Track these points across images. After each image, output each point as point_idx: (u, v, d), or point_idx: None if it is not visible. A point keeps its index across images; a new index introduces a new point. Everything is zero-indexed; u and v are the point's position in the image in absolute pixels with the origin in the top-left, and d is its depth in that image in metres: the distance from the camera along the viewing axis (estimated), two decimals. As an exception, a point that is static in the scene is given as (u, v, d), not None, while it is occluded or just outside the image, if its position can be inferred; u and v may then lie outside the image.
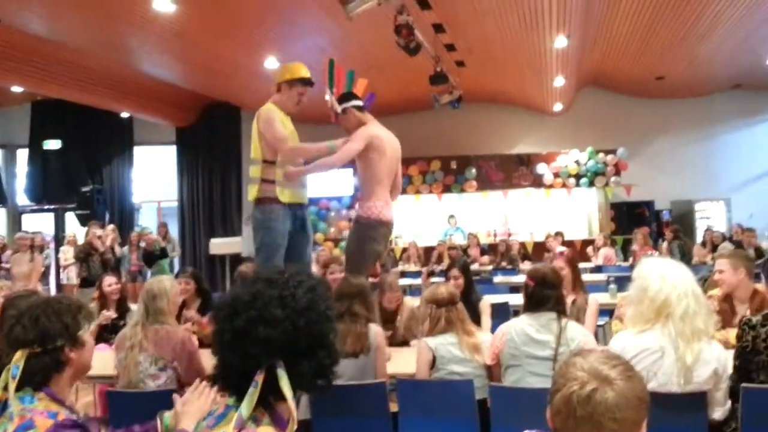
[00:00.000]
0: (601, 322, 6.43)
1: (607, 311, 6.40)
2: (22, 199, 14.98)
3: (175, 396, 2.02)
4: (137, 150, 15.48)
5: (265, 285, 1.48)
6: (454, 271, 5.00)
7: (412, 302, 4.73)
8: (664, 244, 10.97)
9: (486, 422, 3.27)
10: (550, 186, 13.98)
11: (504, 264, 11.47)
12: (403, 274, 10.66)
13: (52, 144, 14.41)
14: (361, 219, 4.36)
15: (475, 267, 11.02)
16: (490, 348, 3.43)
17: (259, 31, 8.90)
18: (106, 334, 5.05)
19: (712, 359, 2.75)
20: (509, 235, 13.37)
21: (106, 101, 12.39)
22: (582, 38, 9.96)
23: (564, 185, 13.93)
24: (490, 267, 11.41)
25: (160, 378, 3.56)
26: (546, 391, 1.39)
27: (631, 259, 10.91)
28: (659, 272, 2.80)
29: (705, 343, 2.75)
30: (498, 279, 9.38)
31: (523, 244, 12.62)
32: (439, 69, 9.16)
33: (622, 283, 6.08)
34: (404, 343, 4.60)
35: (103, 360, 3.72)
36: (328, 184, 13.42)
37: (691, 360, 2.70)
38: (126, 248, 11.09)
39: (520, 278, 6.24)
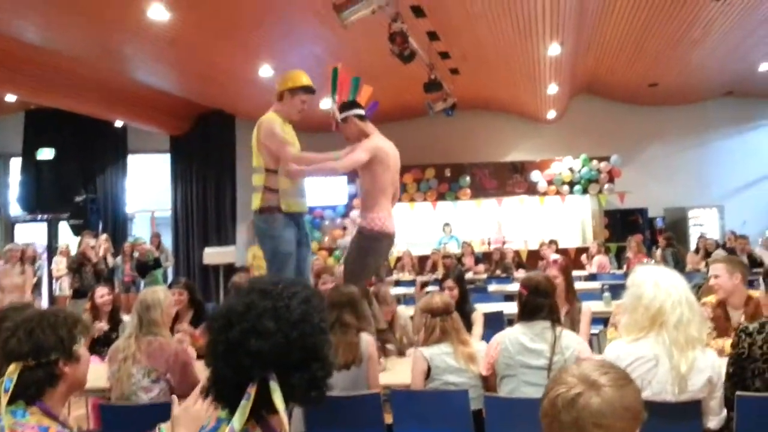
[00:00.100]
0: (595, 331, 6.43)
1: (600, 319, 6.40)
2: (15, 209, 14.90)
3: (174, 397, 2.00)
4: (131, 159, 15.43)
5: (259, 296, 1.46)
6: (449, 282, 4.99)
7: (405, 312, 4.72)
8: (658, 252, 10.99)
9: (481, 432, 3.25)
10: (544, 193, 13.99)
11: (498, 272, 11.46)
12: (398, 283, 10.64)
13: (46, 153, 14.36)
14: (365, 230, 4.34)
15: (469, 275, 11.01)
16: (485, 358, 3.42)
17: (253, 39, 8.90)
18: (98, 346, 5.01)
19: (707, 367, 2.74)
20: (503, 243, 13.36)
21: (100, 110, 12.36)
22: (575, 46, 10.00)
23: (558, 193, 13.95)
24: (485, 275, 11.40)
25: (152, 390, 3.53)
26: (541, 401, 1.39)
27: (625, 267, 10.92)
28: (653, 280, 2.80)
29: (699, 351, 2.75)
30: (492, 287, 9.37)
31: (517, 252, 12.61)
32: (433, 76, 9.17)
33: (617, 290, 6.08)
34: (399, 353, 4.59)
35: (95, 372, 3.68)
36: (323, 192, 13.41)
37: (686, 368, 2.70)
38: (119, 258, 11.05)
39: (515, 286, 6.23)
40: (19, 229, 14.59)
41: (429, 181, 14.19)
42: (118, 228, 14.79)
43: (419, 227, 13.93)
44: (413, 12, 7.94)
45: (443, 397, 3.38)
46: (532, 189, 14.06)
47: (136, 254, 10.79)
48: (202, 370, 1.53)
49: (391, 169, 4.42)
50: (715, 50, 10.61)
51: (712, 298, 3.99)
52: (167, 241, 13.50)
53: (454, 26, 8.76)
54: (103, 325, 5.23)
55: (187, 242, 14.88)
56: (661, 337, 2.73)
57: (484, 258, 12.68)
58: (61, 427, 1.89)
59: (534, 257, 12.18)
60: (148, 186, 15.62)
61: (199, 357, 4.02)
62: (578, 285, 9.20)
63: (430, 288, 7.31)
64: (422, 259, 12.38)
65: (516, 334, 3.32)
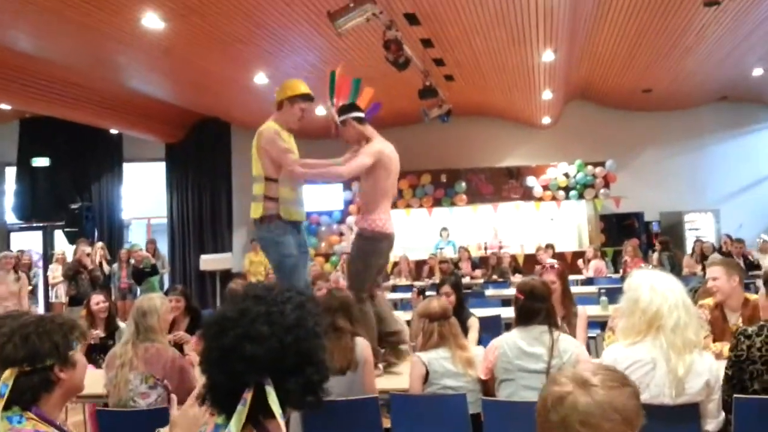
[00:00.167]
0: (592, 334, 6.43)
1: (597, 323, 6.41)
2: (10, 217, 14.87)
3: (173, 397, 2.00)
4: (126, 167, 15.42)
5: (253, 302, 1.47)
6: (446, 288, 5.00)
7: (401, 318, 4.72)
8: (654, 256, 11.02)
9: (479, 437, 3.25)
10: (540, 199, 14.03)
11: (495, 277, 11.48)
12: (394, 289, 10.64)
13: (41, 161, 14.35)
14: (365, 232, 4.34)
15: (466, 280, 11.03)
16: (483, 362, 3.42)
17: (248, 48, 8.92)
18: (94, 354, 4.99)
19: (704, 370, 2.75)
20: (500, 248, 13.38)
21: (95, 118, 12.35)
22: (569, 52, 10.05)
23: (553, 198, 13.98)
24: (482, 280, 11.42)
25: (150, 396, 3.53)
26: (539, 405, 1.39)
27: (621, 271, 10.95)
28: (650, 284, 2.81)
29: (697, 354, 2.76)
30: (489, 292, 9.39)
31: (514, 257, 12.64)
32: (428, 83, 9.20)
33: (613, 295, 6.09)
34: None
35: (92, 379, 3.68)
36: (319, 198, 13.42)
37: (683, 372, 2.70)
38: (116, 266, 11.03)
39: (512, 291, 6.25)
40: (14, 237, 14.57)
41: (425, 187, 14.22)
42: (113, 235, 14.77)
43: (415, 233, 13.95)
44: (407, 20, 7.97)
45: (441, 402, 3.38)
46: (527, 194, 14.10)
47: (132, 261, 10.77)
48: (201, 377, 1.54)
49: (392, 173, 4.43)
50: (709, 56, 10.66)
51: (709, 301, 4.01)
52: (163, 248, 13.48)
53: (449, 34, 8.80)
54: (99, 333, 5.21)
55: (183, 249, 14.86)
56: (659, 340, 2.74)
57: (480, 263, 12.71)
58: (59, 432, 1.89)
59: (531, 262, 12.21)
60: (143, 193, 15.61)
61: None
62: (575, 289, 9.26)
63: (427, 294, 7.32)
64: (419, 264, 12.39)
65: (514, 339, 3.32)
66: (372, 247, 4.32)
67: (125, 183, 15.41)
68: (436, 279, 9.85)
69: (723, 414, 2.85)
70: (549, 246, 11.97)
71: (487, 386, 3.43)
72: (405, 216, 13.98)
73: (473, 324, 4.93)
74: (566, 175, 13.96)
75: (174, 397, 1.99)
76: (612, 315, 4.21)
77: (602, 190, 13.82)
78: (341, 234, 14.14)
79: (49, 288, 11.51)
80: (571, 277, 11.08)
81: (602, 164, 13.89)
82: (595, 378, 1.32)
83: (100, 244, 11.37)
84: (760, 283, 3.30)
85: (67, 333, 1.98)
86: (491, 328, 5.55)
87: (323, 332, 1.54)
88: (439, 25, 8.43)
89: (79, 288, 9.39)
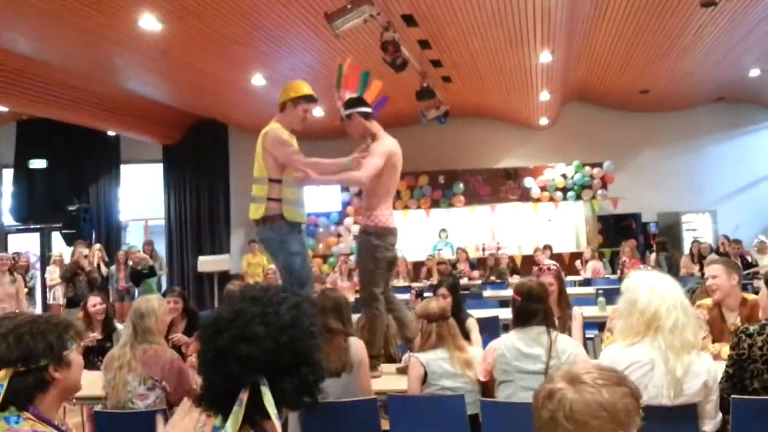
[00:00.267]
0: (590, 335, 6.44)
1: (594, 324, 6.42)
2: (7, 219, 14.85)
3: (159, 417, 2.00)
4: (124, 168, 15.42)
5: (248, 303, 1.47)
6: (442, 290, 4.98)
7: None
8: (652, 256, 11.03)
9: (478, 437, 3.25)
10: (538, 200, 14.04)
11: (493, 278, 11.48)
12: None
13: (38, 163, 14.34)
14: (369, 228, 4.32)
15: (464, 281, 11.03)
16: (482, 364, 3.42)
17: (246, 49, 8.92)
18: (92, 356, 4.98)
19: (702, 371, 2.75)
20: (498, 249, 13.39)
21: (92, 120, 12.34)
22: (566, 53, 10.06)
23: (551, 199, 14.00)
24: (480, 281, 11.42)
25: (148, 398, 3.52)
26: (537, 406, 1.40)
27: (619, 272, 10.96)
28: (648, 285, 2.81)
29: (695, 355, 2.76)
30: (487, 293, 9.39)
31: (511, 258, 12.64)
32: (426, 84, 9.21)
33: (611, 295, 6.10)
34: (392, 359, 4.58)
35: (90, 381, 3.67)
36: (317, 200, 13.41)
37: (681, 372, 2.70)
38: (113, 267, 11.02)
39: (510, 292, 6.28)
40: (12, 239, 14.54)
41: (422, 189, 14.22)
42: (111, 237, 14.76)
43: (413, 234, 13.95)
44: (405, 21, 7.98)
45: (440, 403, 3.38)
46: (525, 195, 14.12)
47: (130, 263, 10.76)
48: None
49: (398, 170, 4.42)
50: (706, 57, 10.68)
51: (707, 301, 4.01)
52: (161, 249, 13.47)
53: (446, 35, 8.80)
54: (96, 335, 5.20)
55: (181, 250, 14.85)
56: (657, 341, 2.74)
57: (478, 264, 12.71)
58: (57, 432, 1.90)
59: (528, 263, 12.20)
60: (141, 195, 15.60)
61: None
62: (573, 290, 9.29)
63: (425, 295, 7.32)
64: (417, 266, 12.39)
65: (512, 340, 3.33)
66: (378, 242, 4.29)
67: (123, 184, 15.41)
68: (434, 280, 9.85)
69: (720, 415, 2.86)
70: (547, 247, 11.97)
71: (487, 388, 3.43)
72: (403, 217, 13.97)
73: (474, 325, 4.92)
74: (564, 176, 13.98)
75: (160, 417, 1.99)
76: (610, 316, 4.22)
77: (600, 191, 13.84)
78: (339, 235, 14.14)
79: (47, 290, 11.50)
80: (569, 278, 11.14)
81: (600, 165, 13.91)
82: (587, 376, 1.32)
83: (98, 245, 11.36)
84: (757, 283, 3.32)
85: (62, 333, 1.98)
86: (489, 329, 5.55)
87: (319, 333, 1.54)
88: (436, 27, 8.43)
89: (76, 290, 9.38)
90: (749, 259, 10.77)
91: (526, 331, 3.32)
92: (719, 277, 3.89)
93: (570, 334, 4.33)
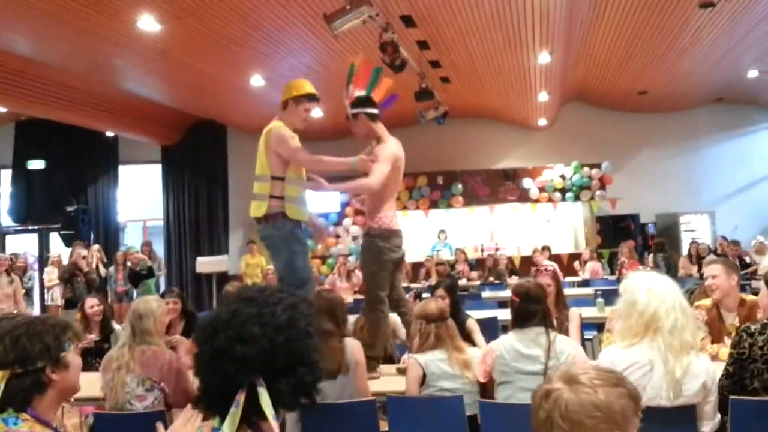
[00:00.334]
0: (589, 336, 6.44)
1: (593, 324, 6.42)
2: (5, 219, 14.82)
3: (159, 425, 2.00)
4: (122, 169, 15.39)
5: (244, 303, 1.47)
6: (440, 291, 4.96)
7: (398, 319, 4.69)
8: (650, 257, 11.05)
9: (477, 438, 3.25)
10: (536, 200, 14.05)
11: (492, 279, 11.48)
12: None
13: (36, 164, 14.31)
14: (373, 230, 4.30)
15: (463, 282, 11.03)
16: (480, 365, 3.42)
17: (244, 50, 8.92)
18: (90, 357, 4.96)
19: (701, 372, 2.75)
20: (497, 249, 13.40)
21: (91, 121, 12.33)
22: (565, 54, 10.06)
23: (550, 199, 14.01)
24: (478, 282, 11.42)
25: (147, 399, 3.52)
26: (536, 406, 1.40)
27: (617, 273, 10.97)
28: (647, 286, 2.81)
29: (693, 356, 2.76)
30: (486, 294, 9.39)
31: (510, 259, 12.65)
32: (425, 85, 9.21)
33: (610, 296, 6.09)
34: (390, 359, 4.58)
35: (88, 382, 3.67)
36: (315, 200, 13.40)
37: (681, 373, 2.70)
38: (112, 268, 11.01)
39: (508, 293, 6.29)
40: (10, 240, 14.51)
41: (421, 189, 14.22)
42: (109, 238, 14.73)
43: (412, 235, 13.93)
44: (403, 22, 7.98)
45: (438, 404, 3.37)
46: (524, 196, 14.13)
47: (128, 263, 10.75)
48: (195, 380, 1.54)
49: (400, 172, 4.42)
50: (704, 58, 10.69)
51: (705, 302, 4.02)
52: (159, 250, 13.45)
53: (445, 36, 8.81)
54: (93, 337, 5.19)
55: (179, 251, 14.83)
56: (656, 342, 2.74)
57: (477, 265, 12.71)
58: (56, 434, 1.89)
59: (527, 263, 12.21)
60: (139, 196, 15.58)
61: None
62: (571, 291, 9.29)
63: (423, 296, 7.31)
64: (416, 266, 12.38)
65: (511, 341, 3.33)
66: (382, 244, 4.28)
67: (121, 185, 15.37)
68: (433, 281, 9.85)
69: (719, 416, 2.86)
70: (545, 248, 11.98)
71: (486, 389, 3.43)
72: (401, 218, 13.91)
73: (475, 326, 4.92)
74: (562, 176, 13.99)
75: (160, 425, 1.98)
76: (609, 317, 4.22)
77: (598, 192, 13.85)
78: (338, 236, 14.13)
79: (45, 291, 11.48)
80: (568, 279, 11.15)
81: (598, 166, 13.92)
82: (584, 376, 1.33)
83: (96, 246, 11.35)
84: (755, 284, 3.32)
85: (59, 334, 1.98)
86: (488, 330, 5.54)
87: (315, 333, 1.54)
88: (435, 28, 8.44)
89: (74, 291, 9.37)
90: (748, 260, 10.78)
91: (525, 332, 3.32)
92: (719, 277, 3.89)
93: (567, 335, 4.33)
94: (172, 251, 14.84)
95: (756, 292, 4.14)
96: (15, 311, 8.94)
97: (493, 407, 3.25)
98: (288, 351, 1.43)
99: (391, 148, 4.31)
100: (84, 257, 10.01)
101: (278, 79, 9.62)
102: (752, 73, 11.86)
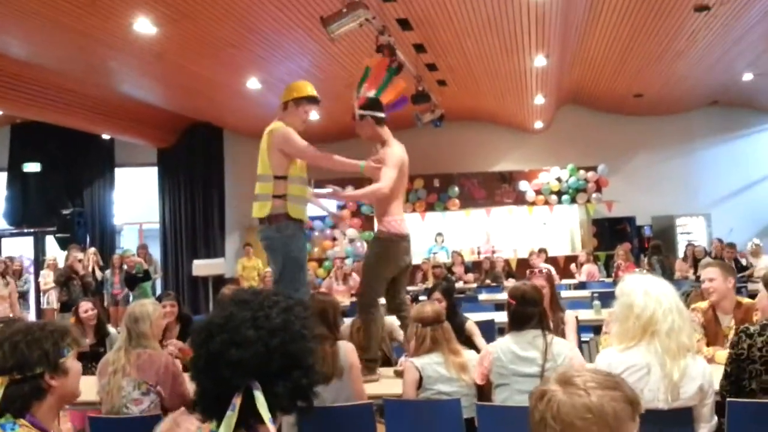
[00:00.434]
0: (585, 338, 6.45)
1: (590, 327, 6.43)
2: (1, 223, 14.78)
3: None
4: (118, 172, 15.37)
5: (239, 307, 1.47)
6: (437, 294, 4.96)
7: (395, 322, 4.69)
8: (647, 259, 11.07)
9: (474, 441, 3.25)
10: (533, 203, 14.06)
11: (488, 281, 11.48)
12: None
13: (32, 167, 14.27)
14: (382, 234, 4.31)
15: (459, 285, 11.03)
16: (478, 368, 3.41)
17: (241, 53, 8.91)
18: (85, 361, 4.93)
19: (698, 375, 2.76)
20: (493, 252, 13.41)
21: (87, 123, 12.30)
22: (561, 57, 10.09)
23: (546, 202, 14.02)
24: (475, 285, 11.42)
25: (143, 403, 3.51)
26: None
27: (613, 275, 10.98)
28: (643, 289, 2.81)
29: (690, 358, 2.76)
30: (483, 297, 9.40)
31: (507, 262, 12.66)
32: (421, 88, 9.22)
33: (606, 299, 6.11)
34: (389, 362, 4.58)
35: (84, 386, 3.65)
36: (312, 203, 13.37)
37: (678, 376, 2.70)
38: (108, 272, 10.98)
39: (505, 296, 6.28)
40: (5, 243, 14.47)
41: (418, 192, 14.22)
42: (105, 241, 14.70)
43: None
44: (400, 25, 8.00)
45: (435, 407, 3.37)
46: (520, 199, 14.13)
47: (125, 267, 10.72)
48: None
49: (405, 175, 4.44)
50: (700, 61, 10.72)
51: (702, 304, 4.02)
52: (156, 253, 13.43)
53: (441, 39, 8.82)
54: (87, 341, 5.16)
55: (175, 254, 14.80)
56: (653, 345, 2.74)
57: (473, 267, 12.70)
58: (52, 440, 1.89)
59: (523, 266, 12.20)
60: (135, 198, 15.55)
61: (185, 370, 3.99)
62: (568, 293, 9.30)
63: (420, 299, 7.31)
64: (412, 269, 12.33)
65: (507, 344, 3.33)
66: (389, 249, 4.29)
67: (117, 188, 15.35)
68: (430, 284, 9.85)
69: (716, 418, 2.86)
70: (542, 250, 11.99)
71: (483, 391, 3.43)
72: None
73: (475, 328, 4.92)
74: (558, 179, 14.00)
75: None
76: (606, 320, 4.22)
77: (594, 195, 13.87)
78: (334, 239, 14.11)
79: (41, 294, 11.45)
80: (564, 281, 11.17)
81: (594, 169, 13.94)
82: (579, 379, 1.33)
83: (92, 249, 11.32)
84: (752, 286, 3.32)
85: (58, 340, 1.98)
86: (485, 332, 5.53)
87: (311, 336, 1.53)
88: (431, 31, 8.45)
89: (70, 294, 9.34)
90: (744, 262, 10.80)
91: (522, 334, 3.32)
92: (716, 280, 3.90)
93: (563, 338, 4.33)
94: (169, 254, 14.81)
95: (752, 295, 4.14)
96: (11, 314, 8.94)
97: (490, 410, 3.25)
98: (283, 354, 1.42)
99: (396, 153, 4.33)
100: (80, 260, 9.98)
101: (275, 82, 9.63)
102: (747, 77, 11.89)
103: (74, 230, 13.24)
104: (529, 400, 1.38)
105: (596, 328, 6.19)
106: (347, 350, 3.58)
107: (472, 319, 5.23)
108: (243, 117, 12.55)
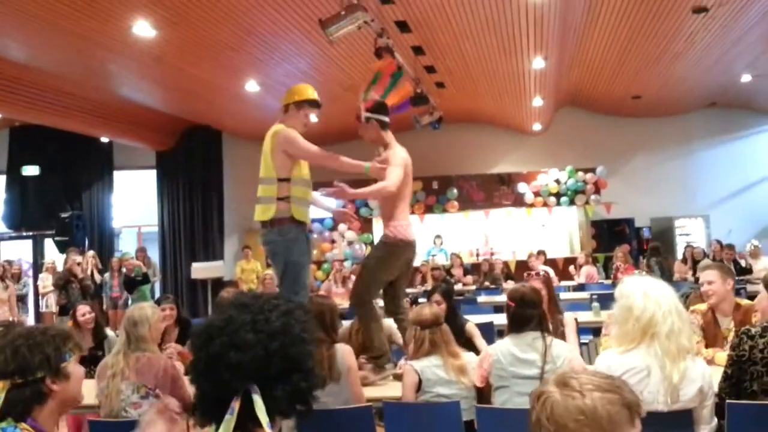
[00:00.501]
0: (585, 340, 6.45)
1: (589, 329, 6.43)
2: (-1, 226, 14.79)
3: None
4: (117, 175, 15.37)
5: (238, 310, 1.47)
6: (436, 296, 4.95)
7: (393, 324, 4.68)
8: (646, 261, 11.06)
9: (473, 444, 3.25)
10: (531, 205, 14.06)
11: (487, 283, 11.48)
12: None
13: (31, 170, 14.27)
14: (388, 239, 4.29)
15: (458, 287, 11.02)
16: (477, 370, 3.41)
17: (239, 55, 8.91)
18: (83, 365, 4.92)
19: (698, 377, 2.75)
20: (492, 254, 13.40)
21: (85, 126, 12.30)
22: (559, 59, 10.09)
23: (545, 204, 14.02)
24: (474, 287, 11.42)
25: (142, 406, 3.50)
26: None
27: (612, 277, 10.98)
28: (642, 291, 2.81)
29: (690, 360, 2.76)
30: (482, 299, 9.39)
31: (506, 264, 12.65)
32: (420, 90, 9.22)
33: (605, 300, 6.11)
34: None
35: (82, 389, 3.65)
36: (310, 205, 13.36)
37: (678, 378, 2.70)
38: (107, 275, 10.97)
39: (504, 298, 6.29)
40: (4, 246, 14.46)
41: (416, 194, 14.19)
42: (104, 244, 14.70)
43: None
44: (398, 27, 8.00)
45: (435, 409, 3.37)
46: (519, 200, 14.13)
47: (124, 270, 10.71)
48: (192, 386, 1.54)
49: (410, 178, 4.44)
50: (698, 62, 10.73)
51: (701, 306, 4.02)
52: (154, 256, 13.42)
53: (439, 41, 8.83)
54: (86, 345, 5.15)
55: (174, 257, 14.79)
56: (653, 347, 2.74)
57: (472, 269, 12.70)
58: (52, 445, 1.89)
59: (522, 268, 12.19)
60: (134, 201, 15.55)
61: (186, 373, 3.99)
62: (567, 295, 9.30)
63: (419, 301, 7.30)
64: (411, 272, 12.35)
65: (507, 346, 3.32)
66: (394, 254, 4.28)
67: (116, 191, 15.35)
68: (429, 286, 9.84)
69: (716, 420, 2.86)
70: (541, 252, 11.99)
71: (483, 394, 3.42)
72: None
73: (475, 330, 4.91)
74: (557, 181, 14.00)
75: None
76: (606, 321, 4.22)
77: (593, 196, 13.87)
78: (333, 241, 14.11)
79: (40, 297, 11.44)
80: (563, 283, 11.17)
81: (593, 170, 13.94)
82: (575, 381, 1.33)
83: (91, 252, 11.32)
84: (751, 288, 3.32)
85: (60, 345, 1.98)
86: (484, 334, 5.53)
87: (311, 340, 1.53)
88: (430, 33, 8.45)
89: (69, 297, 9.33)
90: (743, 263, 10.80)
91: (521, 336, 3.32)
92: (715, 283, 3.89)
93: (563, 340, 4.32)
94: (167, 257, 14.80)
95: (751, 297, 4.14)
96: (10, 318, 8.94)
97: (489, 412, 3.24)
98: (282, 357, 1.42)
99: (400, 154, 4.34)
100: (79, 264, 9.98)
101: (273, 85, 9.63)
102: (745, 78, 11.91)
103: (73, 233, 13.23)
104: (528, 403, 1.39)
105: (595, 330, 6.19)
106: (345, 353, 3.57)
107: (472, 321, 5.23)
108: (242, 119, 12.55)
